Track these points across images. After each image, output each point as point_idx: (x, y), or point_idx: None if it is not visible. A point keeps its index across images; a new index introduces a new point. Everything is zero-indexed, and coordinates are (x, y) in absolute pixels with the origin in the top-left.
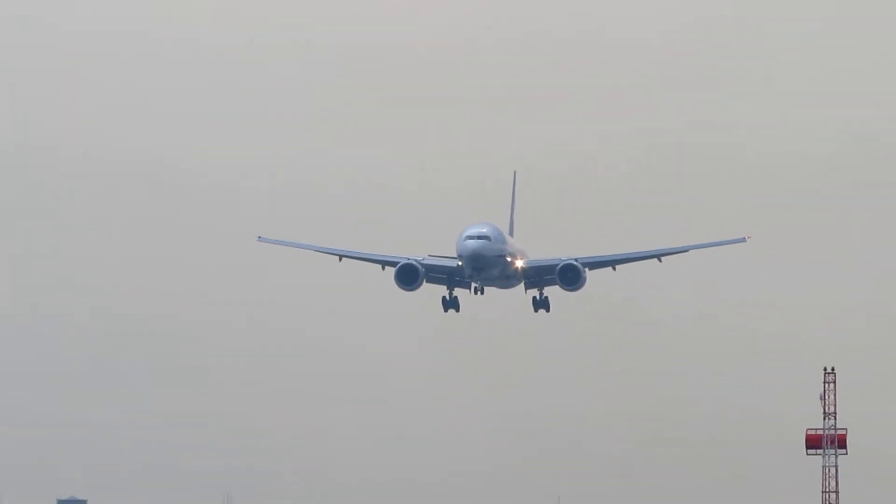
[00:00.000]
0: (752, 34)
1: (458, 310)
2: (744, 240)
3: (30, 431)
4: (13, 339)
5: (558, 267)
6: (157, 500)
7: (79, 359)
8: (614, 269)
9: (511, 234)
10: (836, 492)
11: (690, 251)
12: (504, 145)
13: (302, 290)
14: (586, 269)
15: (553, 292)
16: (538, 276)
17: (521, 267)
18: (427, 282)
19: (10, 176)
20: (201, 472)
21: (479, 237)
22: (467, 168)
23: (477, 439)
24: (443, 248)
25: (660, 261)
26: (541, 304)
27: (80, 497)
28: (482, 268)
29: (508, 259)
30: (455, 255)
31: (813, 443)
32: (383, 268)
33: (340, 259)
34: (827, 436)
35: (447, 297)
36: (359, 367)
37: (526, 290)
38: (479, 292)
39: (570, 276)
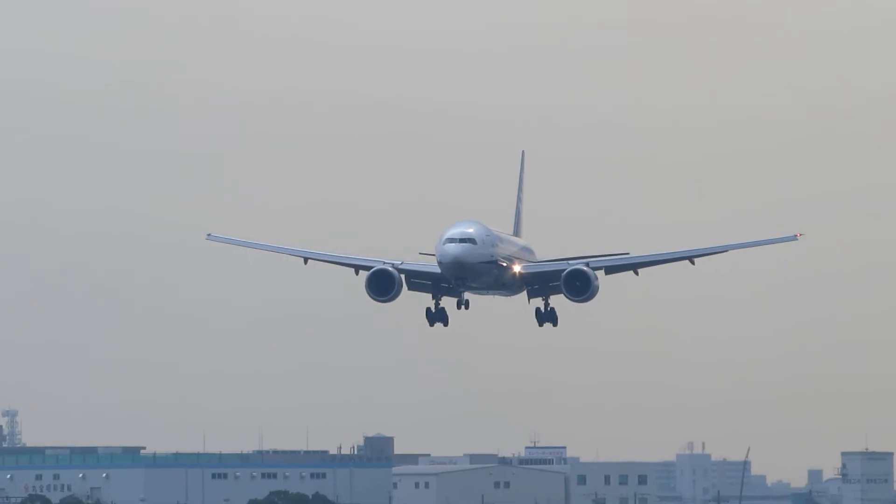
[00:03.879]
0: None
1: (446, 323)
2: (795, 237)
3: (338, 374)
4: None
5: (564, 273)
6: (454, 438)
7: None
8: (636, 273)
9: (517, 229)
10: None
11: (730, 251)
12: (512, 122)
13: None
14: (599, 275)
15: (561, 301)
16: (542, 284)
17: (520, 273)
18: (410, 289)
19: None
20: (505, 411)
21: (462, 239)
22: (468, 152)
23: None
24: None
25: (692, 263)
26: (546, 316)
27: (387, 434)
28: (466, 277)
29: (504, 264)
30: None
31: None
32: (356, 272)
33: (306, 262)
34: None
35: (432, 309)
36: None
37: (529, 299)
38: (462, 306)
39: (578, 284)
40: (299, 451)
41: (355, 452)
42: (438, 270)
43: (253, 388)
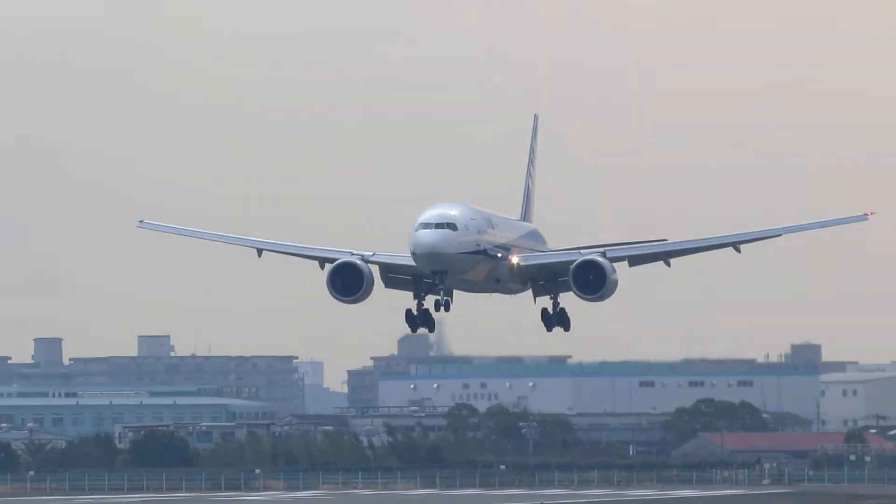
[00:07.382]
0: None
1: (431, 329)
2: (866, 217)
3: (764, 282)
4: None
5: (573, 265)
6: (883, 345)
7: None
8: (668, 263)
9: (525, 211)
10: None
11: (783, 236)
12: (522, 85)
13: None
14: (622, 267)
15: (573, 301)
16: (548, 279)
17: (518, 265)
18: (386, 286)
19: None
20: None
21: (439, 224)
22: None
23: None
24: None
25: (738, 250)
26: (555, 319)
27: (814, 342)
28: (446, 271)
29: (497, 255)
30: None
31: None
32: (322, 266)
33: (260, 253)
34: None
35: (413, 311)
36: None
37: (535, 297)
38: (442, 307)
39: (591, 278)
40: (726, 360)
41: (782, 360)
42: None
43: (678, 298)
